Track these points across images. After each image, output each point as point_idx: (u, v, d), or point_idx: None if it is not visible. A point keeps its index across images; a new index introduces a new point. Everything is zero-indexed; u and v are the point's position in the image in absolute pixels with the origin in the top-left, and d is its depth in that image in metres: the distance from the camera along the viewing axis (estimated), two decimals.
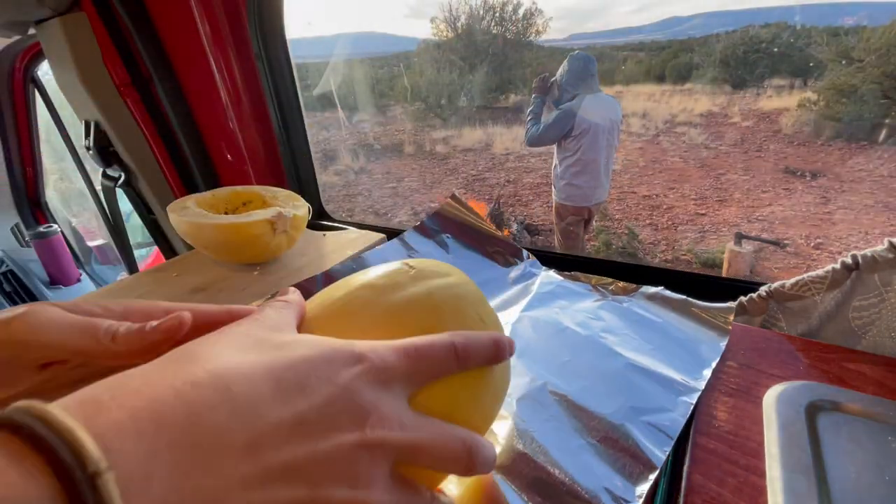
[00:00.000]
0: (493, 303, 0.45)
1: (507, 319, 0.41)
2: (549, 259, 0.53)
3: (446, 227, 0.53)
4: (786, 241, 3.05)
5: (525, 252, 0.51)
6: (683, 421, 0.29)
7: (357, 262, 0.47)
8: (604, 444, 0.28)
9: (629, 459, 0.27)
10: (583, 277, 0.47)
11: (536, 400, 0.31)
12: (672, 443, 0.28)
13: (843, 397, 0.29)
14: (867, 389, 0.31)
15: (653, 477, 0.25)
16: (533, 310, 0.42)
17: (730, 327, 0.37)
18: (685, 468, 0.27)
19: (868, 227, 3.11)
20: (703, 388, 0.32)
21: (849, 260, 0.36)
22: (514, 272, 0.49)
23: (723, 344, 0.36)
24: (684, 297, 0.41)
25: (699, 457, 0.28)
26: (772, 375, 0.33)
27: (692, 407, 0.30)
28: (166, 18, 0.62)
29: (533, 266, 0.50)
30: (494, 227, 0.53)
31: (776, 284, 0.41)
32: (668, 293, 0.42)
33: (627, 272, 0.54)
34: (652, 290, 0.43)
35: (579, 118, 1.84)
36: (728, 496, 0.25)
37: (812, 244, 3.02)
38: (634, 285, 0.44)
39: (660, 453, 0.27)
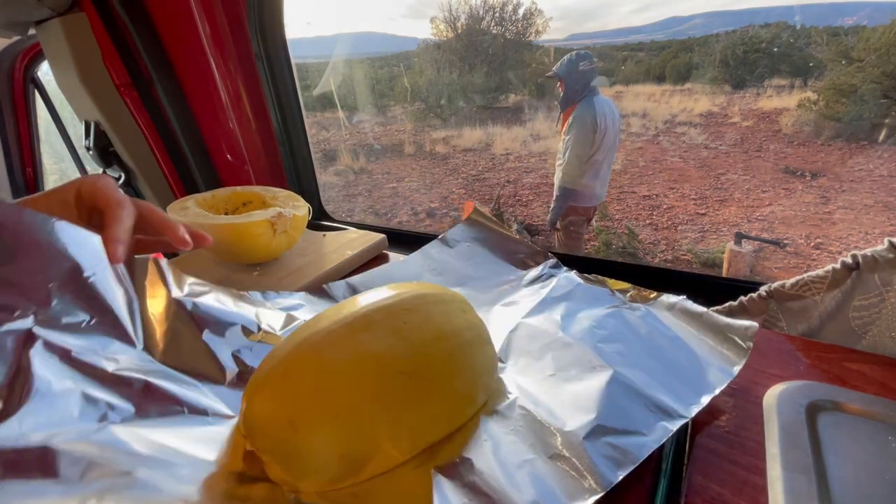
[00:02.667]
0: (500, 305, 0.44)
1: (507, 325, 0.39)
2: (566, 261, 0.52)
3: (467, 236, 0.54)
4: (786, 241, 3.05)
5: (549, 254, 0.50)
6: (654, 447, 0.26)
7: (383, 277, 0.49)
8: (554, 460, 0.26)
9: (572, 480, 0.25)
10: (603, 282, 0.44)
11: (504, 414, 0.30)
12: (631, 468, 0.25)
13: (844, 397, 0.29)
14: (867, 389, 0.31)
15: (592, 500, 0.23)
16: (535, 316, 0.40)
17: (748, 350, 0.34)
18: (685, 468, 0.27)
19: (868, 227, 3.11)
20: (693, 416, 0.29)
21: (849, 260, 0.36)
22: (531, 274, 0.48)
23: (736, 369, 0.32)
24: (705, 309, 0.38)
25: (699, 457, 0.28)
26: (772, 375, 0.33)
27: (671, 434, 0.27)
28: (166, 18, 0.62)
29: (554, 267, 0.48)
30: (514, 232, 0.54)
31: (776, 284, 0.41)
32: (688, 304, 0.39)
33: (626, 271, 0.54)
34: (673, 299, 0.40)
35: (596, 122, 1.86)
36: (728, 496, 0.25)
37: (812, 244, 3.02)
38: (655, 293, 0.41)
39: (611, 476, 0.24)
